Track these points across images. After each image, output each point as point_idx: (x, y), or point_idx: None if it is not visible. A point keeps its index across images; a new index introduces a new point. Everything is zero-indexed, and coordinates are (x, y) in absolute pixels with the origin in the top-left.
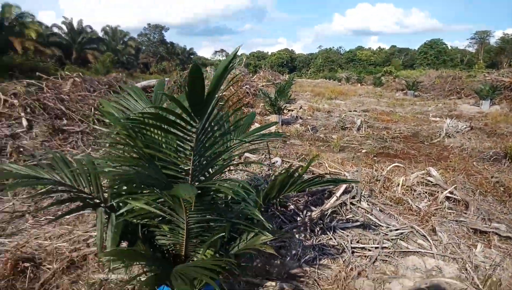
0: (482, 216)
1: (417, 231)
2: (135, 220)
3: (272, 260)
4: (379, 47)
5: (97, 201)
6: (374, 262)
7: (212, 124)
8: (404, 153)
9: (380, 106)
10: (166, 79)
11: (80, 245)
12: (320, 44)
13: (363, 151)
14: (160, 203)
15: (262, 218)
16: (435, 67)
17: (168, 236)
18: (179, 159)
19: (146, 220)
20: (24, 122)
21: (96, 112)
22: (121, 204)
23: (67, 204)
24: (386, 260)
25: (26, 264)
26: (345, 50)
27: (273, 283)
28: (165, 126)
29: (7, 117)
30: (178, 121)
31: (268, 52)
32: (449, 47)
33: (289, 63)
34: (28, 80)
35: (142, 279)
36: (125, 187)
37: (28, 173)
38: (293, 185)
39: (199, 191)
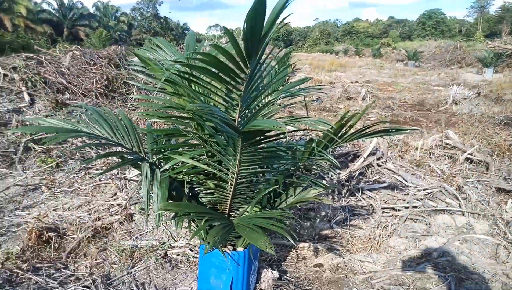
0: (503, 176)
1: (445, 190)
2: (180, 177)
3: (303, 222)
4: (377, 19)
5: (141, 155)
6: (405, 221)
7: (261, 70)
8: (414, 120)
9: (382, 77)
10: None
11: (102, 214)
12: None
13: (372, 119)
14: (206, 158)
15: (334, 160)
16: (433, 38)
17: (213, 193)
18: (227, 109)
19: (191, 176)
20: (26, 97)
21: (98, 86)
22: (162, 161)
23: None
24: (417, 219)
25: (51, 234)
26: (342, 23)
27: (306, 245)
28: (216, 72)
29: (8, 92)
30: (230, 66)
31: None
32: (448, 17)
33: (285, 37)
34: (27, 54)
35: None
36: (165, 143)
37: (67, 127)
38: (345, 135)
39: (245, 136)
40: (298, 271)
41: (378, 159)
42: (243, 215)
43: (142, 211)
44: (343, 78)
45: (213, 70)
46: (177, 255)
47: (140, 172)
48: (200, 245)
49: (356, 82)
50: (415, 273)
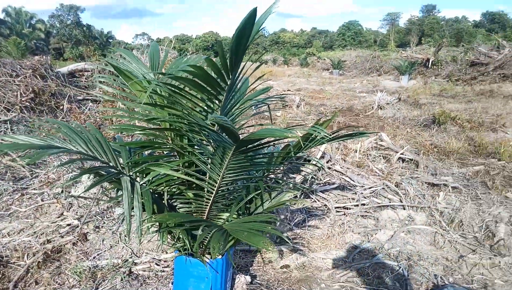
0: (431, 172)
1: (388, 187)
2: (159, 189)
3: None
4: (301, 29)
5: (118, 170)
6: (356, 218)
7: (236, 82)
8: (346, 125)
9: (311, 85)
10: (155, 41)
11: (51, 236)
12: None
13: (310, 125)
14: (183, 168)
15: (320, 162)
16: (352, 48)
17: (191, 203)
18: (206, 118)
19: (172, 187)
20: None
21: (23, 100)
22: (137, 175)
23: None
24: (366, 216)
25: None
26: (269, 33)
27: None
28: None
29: None
30: (212, 78)
31: (192, 35)
32: (364, 29)
33: (214, 46)
34: None
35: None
36: (139, 156)
37: (39, 143)
38: (314, 140)
39: (241, 145)
40: (266, 274)
41: (327, 162)
42: (227, 221)
43: (96, 230)
44: (276, 87)
45: (199, 81)
46: (143, 271)
47: (86, 189)
48: (176, 258)
49: (288, 90)
50: (372, 265)
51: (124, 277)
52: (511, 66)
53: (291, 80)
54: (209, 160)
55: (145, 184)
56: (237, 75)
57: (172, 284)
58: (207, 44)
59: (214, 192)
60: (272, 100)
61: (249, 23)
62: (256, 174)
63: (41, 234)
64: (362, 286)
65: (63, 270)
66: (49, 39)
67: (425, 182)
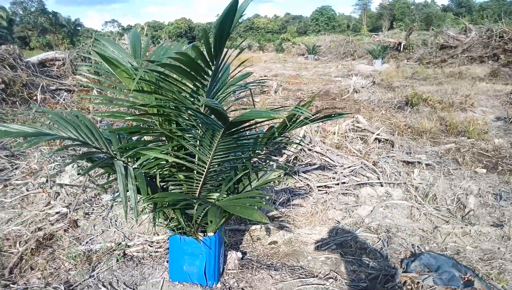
0: (405, 151)
1: (366, 166)
2: (151, 172)
3: None
4: (275, 15)
5: (110, 155)
6: (337, 196)
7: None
8: (324, 109)
9: (287, 71)
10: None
11: (40, 225)
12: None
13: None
14: (173, 151)
15: (304, 141)
16: (326, 33)
17: (182, 185)
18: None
19: (164, 169)
20: None
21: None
22: (129, 159)
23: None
24: (346, 193)
25: None
26: (243, 19)
27: (258, 226)
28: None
29: None
30: (199, 64)
31: (164, 22)
32: (337, 14)
33: (188, 33)
34: None
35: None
36: (129, 141)
37: (30, 131)
38: (297, 121)
39: (230, 127)
40: (255, 250)
41: (308, 144)
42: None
43: (86, 217)
44: (253, 73)
45: (186, 68)
46: (137, 252)
47: (83, 172)
48: (170, 237)
49: (265, 76)
50: (354, 237)
51: (120, 259)
52: (478, 49)
53: (268, 66)
54: (198, 143)
55: (137, 168)
56: (220, 61)
57: (167, 262)
58: (180, 31)
59: (204, 173)
60: (252, 85)
61: (232, 10)
62: (243, 155)
63: (30, 223)
64: (346, 256)
65: (57, 255)
66: (12, 27)
67: (401, 161)
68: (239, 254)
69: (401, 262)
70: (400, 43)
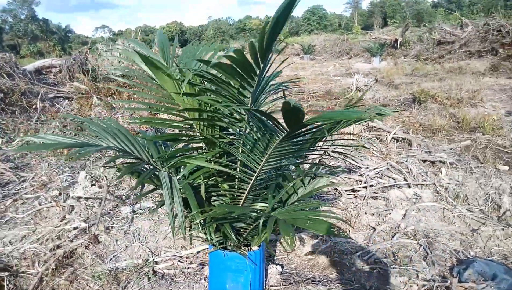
0: (424, 150)
1: (392, 167)
2: (195, 183)
3: None
4: (267, 16)
5: (153, 165)
6: (367, 200)
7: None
8: (330, 108)
9: (284, 71)
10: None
11: (59, 241)
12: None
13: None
14: (217, 159)
15: (366, 145)
16: (318, 32)
17: (225, 195)
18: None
19: (211, 179)
20: None
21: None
22: (170, 169)
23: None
24: (375, 197)
25: (1, 275)
26: (234, 21)
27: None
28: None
29: None
30: (250, 63)
31: (155, 26)
32: (328, 13)
33: (180, 36)
34: None
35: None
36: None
37: (76, 142)
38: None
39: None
40: (292, 262)
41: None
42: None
43: (107, 231)
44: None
45: (237, 68)
46: (168, 269)
47: (132, 188)
48: (210, 253)
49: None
50: (394, 245)
51: (151, 277)
52: (476, 44)
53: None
54: (249, 149)
55: (182, 178)
56: (267, 63)
57: (205, 280)
58: (172, 35)
59: (251, 182)
60: (285, 85)
61: (290, 6)
62: (296, 160)
63: (47, 240)
64: (392, 266)
65: (80, 275)
66: (2, 36)
67: (422, 160)
68: (279, 268)
69: (450, 270)
70: (396, 40)
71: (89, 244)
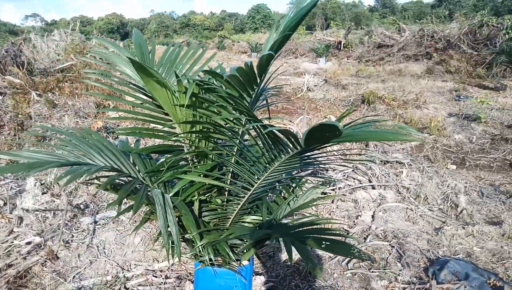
0: (380, 150)
1: (357, 169)
2: (188, 199)
3: None
4: (211, 12)
5: (142, 181)
6: (336, 202)
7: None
8: (284, 108)
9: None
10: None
11: (9, 259)
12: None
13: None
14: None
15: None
16: (262, 31)
17: (217, 209)
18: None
19: (206, 195)
20: None
21: None
22: (158, 185)
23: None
24: (344, 199)
25: None
26: (178, 15)
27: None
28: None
29: None
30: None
31: (93, 17)
32: (272, 12)
33: (120, 29)
34: None
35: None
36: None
37: (53, 160)
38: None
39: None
40: (272, 270)
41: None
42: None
43: (64, 245)
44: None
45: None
46: (141, 285)
47: (119, 213)
48: (197, 270)
49: None
50: (368, 247)
51: None
52: (412, 48)
53: (211, 64)
54: (249, 163)
55: (176, 195)
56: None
57: None
58: (111, 27)
59: (247, 196)
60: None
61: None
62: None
63: None
64: (371, 270)
65: None
66: None
67: (380, 160)
68: (262, 278)
69: (425, 271)
70: (340, 42)
71: (46, 261)
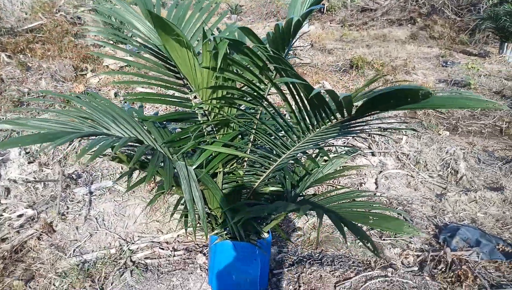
0: (375, 116)
1: (357, 136)
2: (212, 171)
3: None
4: None
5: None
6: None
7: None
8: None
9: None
10: None
11: (2, 234)
12: None
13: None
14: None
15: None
16: None
17: (237, 181)
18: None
19: (230, 166)
20: None
21: None
22: (179, 157)
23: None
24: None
25: None
26: None
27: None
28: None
29: None
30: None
31: None
32: None
33: None
34: None
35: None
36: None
37: (68, 130)
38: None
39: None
40: (282, 240)
41: None
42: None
43: (63, 218)
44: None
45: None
46: (148, 258)
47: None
48: (215, 244)
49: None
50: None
51: (134, 270)
52: (396, 12)
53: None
54: (281, 133)
55: (198, 167)
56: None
57: (201, 269)
58: None
59: (272, 167)
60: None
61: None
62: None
63: None
64: (383, 238)
65: (37, 271)
66: None
67: (377, 127)
68: (275, 249)
69: (435, 238)
70: (323, 4)
71: (42, 234)
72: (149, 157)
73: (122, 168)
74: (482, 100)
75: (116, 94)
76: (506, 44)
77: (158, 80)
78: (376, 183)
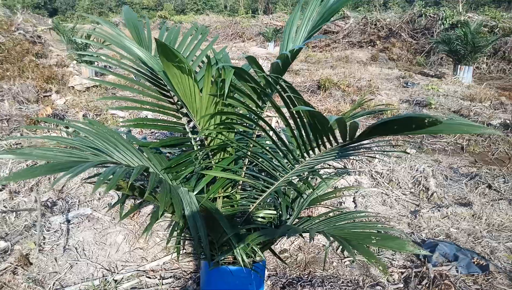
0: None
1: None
2: (212, 196)
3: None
4: None
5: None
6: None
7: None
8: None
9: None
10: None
11: None
12: None
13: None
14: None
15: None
16: (204, 13)
17: (233, 206)
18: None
19: (230, 191)
20: None
21: None
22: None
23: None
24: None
25: None
26: None
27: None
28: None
29: None
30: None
31: None
32: None
33: (48, 4)
34: None
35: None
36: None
37: (74, 159)
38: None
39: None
40: (269, 263)
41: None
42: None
43: (40, 249)
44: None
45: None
46: (133, 288)
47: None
48: (210, 270)
49: None
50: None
51: None
52: (357, 35)
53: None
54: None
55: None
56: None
57: None
58: (38, 1)
59: (268, 191)
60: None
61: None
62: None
63: None
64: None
65: None
66: None
67: (369, 149)
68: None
69: (415, 254)
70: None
71: (17, 268)
72: (140, 182)
73: (100, 194)
74: (476, 125)
75: (84, 116)
76: (459, 66)
77: (153, 105)
78: (354, 202)
